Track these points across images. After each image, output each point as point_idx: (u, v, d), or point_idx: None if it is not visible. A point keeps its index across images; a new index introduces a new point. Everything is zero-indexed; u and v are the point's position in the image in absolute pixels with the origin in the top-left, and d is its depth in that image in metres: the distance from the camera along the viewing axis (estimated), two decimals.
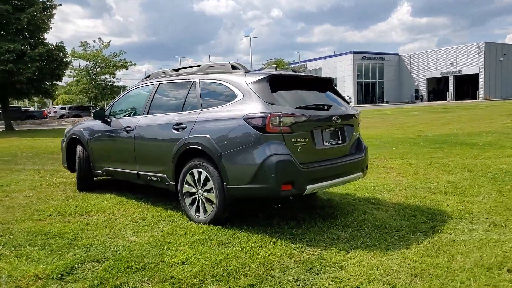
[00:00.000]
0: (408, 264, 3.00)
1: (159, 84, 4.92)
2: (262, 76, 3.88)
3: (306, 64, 65.25)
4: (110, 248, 3.46)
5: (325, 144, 3.98)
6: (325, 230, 3.85)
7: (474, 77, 54.70)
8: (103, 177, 6.20)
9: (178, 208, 4.64)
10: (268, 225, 4.03)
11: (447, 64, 57.30)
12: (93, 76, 38.21)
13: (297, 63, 62.55)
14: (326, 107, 4.05)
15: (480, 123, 16.11)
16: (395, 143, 10.60)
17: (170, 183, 4.42)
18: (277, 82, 3.93)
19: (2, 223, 4.28)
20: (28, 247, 3.52)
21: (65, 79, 39.36)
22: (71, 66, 36.43)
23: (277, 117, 3.57)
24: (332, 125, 4.04)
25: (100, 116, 5.41)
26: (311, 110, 3.88)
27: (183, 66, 5.65)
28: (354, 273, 2.89)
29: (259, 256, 3.21)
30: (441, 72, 58.09)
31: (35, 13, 20.27)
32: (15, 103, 36.57)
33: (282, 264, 3.07)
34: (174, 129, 4.30)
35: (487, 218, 4.09)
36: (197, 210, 4.15)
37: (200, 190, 4.10)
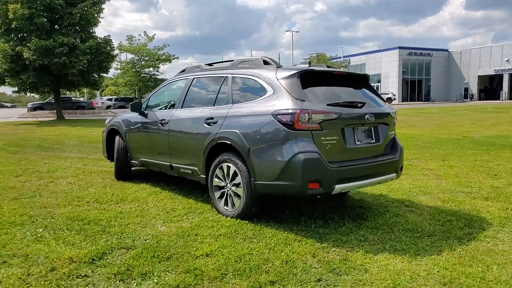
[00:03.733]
0: (438, 272, 2.88)
1: (194, 78, 5.00)
2: (293, 72, 3.84)
3: (349, 59, 63.78)
4: (140, 237, 3.57)
5: (357, 143, 3.88)
6: (353, 231, 3.76)
7: None
8: (140, 167, 6.41)
9: (208, 200, 4.72)
10: (295, 222, 4.01)
11: (502, 60, 53.94)
12: (138, 69, 39.53)
13: (339, 57, 61.26)
14: (359, 105, 3.95)
15: None
16: (438, 144, 10.16)
17: (201, 176, 4.49)
18: (308, 78, 3.88)
19: (46, 207, 4.54)
20: (66, 231, 3.72)
21: (112, 71, 40.95)
22: (118, 59, 37.89)
23: (306, 114, 3.53)
24: (365, 123, 3.93)
25: (137, 108, 5.58)
26: (343, 107, 3.79)
27: (224, 60, 5.69)
28: (379, 277, 2.81)
29: (283, 254, 3.20)
30: (494, 70, 54.79)
31: (86, 8, 21.21)
32: (67, 94, 38.60)
33: (305, 263, 3.04)
34: (206, 123, 4.36)
35: None
36: (226, 203, 4.20)
37: (228, 185, 4.14)
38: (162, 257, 3.12)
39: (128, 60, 39.38)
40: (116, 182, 5.91)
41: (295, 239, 3.53)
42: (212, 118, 4.31)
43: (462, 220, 4.05)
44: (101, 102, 41.92)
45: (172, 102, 5.31)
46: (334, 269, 2.95)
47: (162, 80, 43.24)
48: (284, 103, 3.66)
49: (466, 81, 58.14)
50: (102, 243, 3.40)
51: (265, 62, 4.22)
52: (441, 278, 2.79)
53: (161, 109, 5.51)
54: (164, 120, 5.05)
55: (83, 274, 2.85)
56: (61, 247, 3.31)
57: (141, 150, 5.63)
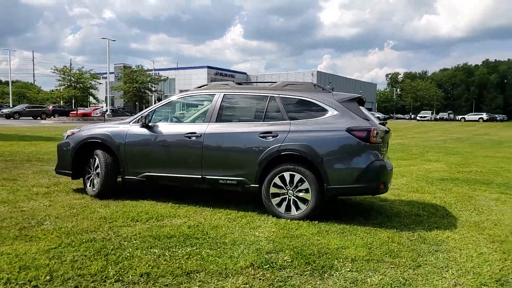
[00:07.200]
0: (479, 235, 4.38)
1: (224, 94, 5.22)
2: (353, 97, 4.85)
3: (159, 72, 64.75)
4: (259, 243, 3.82)
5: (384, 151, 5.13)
6: (388, 220, 4.94)
7: None
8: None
9: (243, 208, 5.06)
10: (346, 218, 4.88)
11: None
12: None
13: (151, 70, 61.47)
14: (384, 123, 5.23)
15: None
16: None
17: (252, 185, 4.84)
18: (358, 102, 4.91)
19: (89, 231, 3.99)
20: (181, 247, 3.59)
21: None
22: None
23: (375, 131, 4.56)
24: (389, 137, 5.24)
25: (142, 121, 5.31)
26: (383, 125, 4.99)
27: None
28: (458, 243, 4.10)
29: (383, 239, 4.12)
30: None
31: None
32: None
33: (405, 243, 4.04)
34: (261, 137, 4.78)
35: (467, 206, 5.86)
36: (287, 209, 4.72)
37: (290, 191, 4.70)
38: (313, 254, 3.58)
39: None
40: (107, 202, 5.31)
41: (371, 230, 4.46)
42: (270, 132, 4.77)
43: (428, 207, 5.78)
44: None
45: (196, 116, 5.33)
46: (430, 245, 4.05)
47: None
48: (356, 122, 4.58)
49: None
50: (244, 253, 3.54)
51: (315, 86, 5.01)
52: (487, 238, 4.29)
53: (177, 122, 5.40)
54: (195, 133, 5.06)
55: (286, 276, 3.10)
56: (222, 260, 3.32)
57: (147, 165, 5.34)
